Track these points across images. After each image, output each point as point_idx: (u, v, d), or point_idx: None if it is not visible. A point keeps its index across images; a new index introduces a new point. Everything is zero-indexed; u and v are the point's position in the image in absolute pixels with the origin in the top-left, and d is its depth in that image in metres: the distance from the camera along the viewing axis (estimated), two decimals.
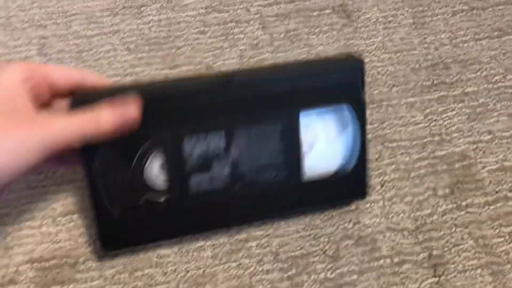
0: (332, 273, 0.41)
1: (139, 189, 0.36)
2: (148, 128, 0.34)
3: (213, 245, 0.42)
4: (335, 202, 0.40)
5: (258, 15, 0.50)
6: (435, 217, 0.43)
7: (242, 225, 0.42)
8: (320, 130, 0.40)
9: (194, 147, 0.36)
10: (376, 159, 0.45)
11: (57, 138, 0.29)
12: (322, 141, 0.40)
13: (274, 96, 0.36)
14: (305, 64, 0.40)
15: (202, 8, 0.50)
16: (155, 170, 0.36)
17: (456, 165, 0.45)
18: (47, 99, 0.32)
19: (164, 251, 0.41)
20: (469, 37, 0.50)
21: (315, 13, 0.50)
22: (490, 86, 0.48)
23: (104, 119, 0.30)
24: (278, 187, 0.39)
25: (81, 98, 0.32)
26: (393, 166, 0.45)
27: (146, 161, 0.36)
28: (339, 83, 0.37)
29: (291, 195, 0.40)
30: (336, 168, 0.40)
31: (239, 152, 0.37)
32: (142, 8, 0.50)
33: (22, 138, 0.28)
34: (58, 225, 0.42)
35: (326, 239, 0.42)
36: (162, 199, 0.37)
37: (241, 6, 0.50)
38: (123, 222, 0.36)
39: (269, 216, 0.40)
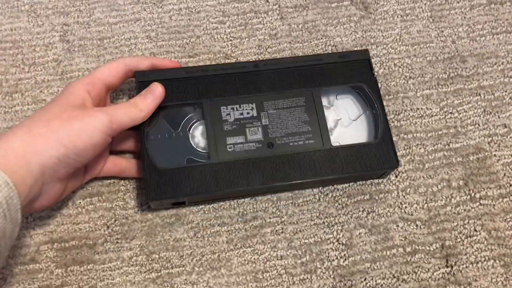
0: (345, 260, 0.42)
1: (184, 150, 0.42)
2: (193, 101, 0.43)
3: (228, 230, 0.43)
4: (368, 171, 0.41)
5: (277, 6, 0.50)
6: (449, 208, 0.43)
7: (275, 187, 0.43)
8: (342, 107, 0.45)
9: (229, 115, 0.42)
10: None
11: (112, 120, 0.37)
12: (346, 118, 0.45)
13: (297, 75, 0.44)
14: (321, 54, 0.45)
15: None
16: (197, 135, 0.43)
17: (471, 158, 0.45)
18: (105, 96, 0.42)
19: (180, 235, 0.42)
20: (486, 31, 0.50)
21: (333, 5, 0.50)
22: (506, 80, 0.48)
23: (140, 104, 0.40)
24: (308, 152, 0.42)
25: (144, 76, 0.42)
26: (408, 157, 0.45)
27: (191, 127, 0.43)
28: (353, 66, 0.44)
29: (322, 160, 0.41)
30: (364, 141, 0.43)
31: (269, 121, 0.43)
32: None
33: (87, 121, 0.36)
34: (78, 207, 0.43)
35: (340, 227, 0.43)
36: (203, 160, 0.42)
37: None
38: (167, 177, 0.40)
39: (303, 179, 0.41)
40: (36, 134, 0.34)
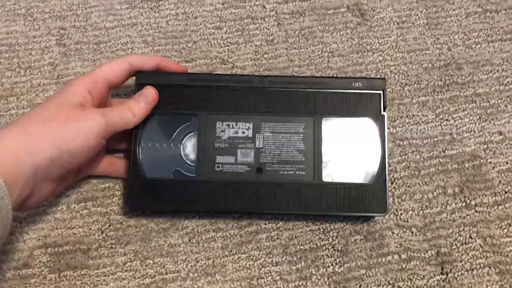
0: (340, 267, 0.42)
1: (173, 161, 0.41)
2: (190, 111, 0.42)
3: (223, 236, 0.42)
4: (354, 212, 0.40)
5: (274, 12, 0.50)
6: (444, 215, 0.43)
7: (258, 213, 0.42)
8: (342, 141, 0.42)
9: (224, 131, 0.41)
10: (387, 157, 0.45)
11: (107, 123, 0.37)
12: (344, 152, 0.42)
13: (302, 99, 0.42)
14: (333, 78, 0.43)
15: (219, 3, 0.50)
16: (188, 147, 0.42)
17: (466, 165, 0.45)
18: (107, 95, 0.41)
19: (175, 241, 0.42)
20: (482, 38, 0.50)
21: (329, 11, 0.50)
22: (501, 87, 0.48)
23: (133, 108, 0.39)
24: (297, 184, 0.40)
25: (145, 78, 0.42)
26: (404, 164, 0.45)
27: (184, 138, 0.42)
28: (362, 98, 0.42)
29: (309, 194, 0.40)
30: (357, 180, 0.41)
31: (263, 144, 0.41)
32: (160, 2, 0.50)
33: (83, 123, 0.36)
34: (72, 212, 0.43)
35: (335, 234, 0.43)
36: (190, 173, 0.41)
37: (257, 3, 0.51)
38: (152, 187, 0.40)
39: (286, 211, 0.40)
40: (30, 134, 0.34)
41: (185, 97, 0.42)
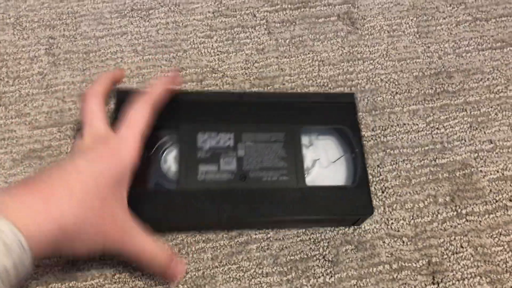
0: (331, 277, 0.41)
1: (153, 174, 0.41)
2: (170, 124, 0.42)
3: (213, 247, 0.42)
4: (340, 215, 0.41)
5: (264, 20, 0.50)
6: (435, 224, 0.43)
7: (243, 223, 0.42)
8: (321, 148, 0.44)
9: (205, 142, 0.41)
10: (378, 166, 0.45)
11: (125, 250, 0.35)
12: (324, 159, 0.44)
13: (279, 110, 0.43)
14: (307, 93, 0.47)
15: (209, 12, 0.50)
16: (169, 160, 0.42)
17: (457, 173, 0.45)
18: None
19: None
20: (472, 47, 0.50)
21: (320, 20, 0.50)
22: (492, 96, 0.48)
23: (156, 265, 0.38)
24: (281, 189, 0.41)
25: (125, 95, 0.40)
26: (394, 173, 0.45)
27: (164, 151, 0.42)
28: (337, 108, 0.44)
29: (294, 199, 0.40)
30: (340, 183, 0.42)
31: (245, 153, 0.41)
32: (150, 11, 0.50)
33: (107, 238, 0.34)
34: None
35: (326, 244, 0.42)
36: (171, 186, 0.41)
37: (247, 12, 0.50)
38: (132, 201, 0.38)
39: (271, 216, 0.40)
40: (64, 224, 0.31)
41: (166, 111, 0.41)
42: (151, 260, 0.36)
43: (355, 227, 0.43)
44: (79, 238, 0.32)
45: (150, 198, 0.39)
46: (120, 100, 0.40)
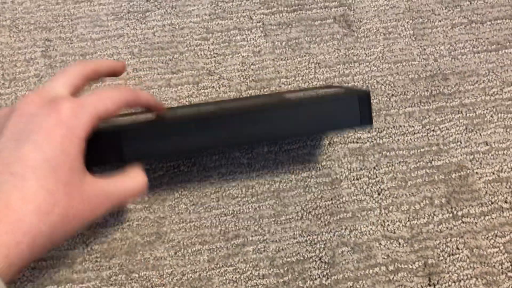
0: (327, 279, 0.41)
1: None
2: None
3: (210, 249, 0.42)
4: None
5: (261, 23, 0.50)
6: (431, 226, 0.43)
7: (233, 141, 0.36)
8: None
9: None
10: (374, 168, 0.45)
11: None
12: None
13: None
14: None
15: (205, 14, 0.50)
16: None
17: (453, 175, 0.45)
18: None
19: (160, 254, 0.42)
20: (468, 49, 0.50)
21: (316, 23, 0.51)
22: (487, 98, 0.48)
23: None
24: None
25: None
26: (391, 175, 0.45)
27: None
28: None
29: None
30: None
31: None
32: (147, 14, 0.50)
33: (97, 213, 0.32)
34: None
35: (322, 246, 0.42)
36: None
37: (244, 14, 0.51)
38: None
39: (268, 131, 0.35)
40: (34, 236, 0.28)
41: None
42: (134, 187, 0.34)
43: (351, 229, 0.43)
44: (56, 234, 0.29)
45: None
46: None
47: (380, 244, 0.42)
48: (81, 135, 0.30)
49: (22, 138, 0.29)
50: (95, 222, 0.39)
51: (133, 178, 0.35)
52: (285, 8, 0.51)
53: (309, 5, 0.52)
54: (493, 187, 0.45)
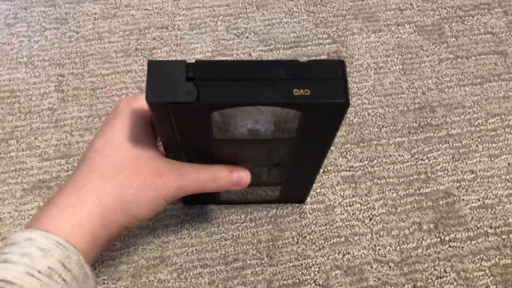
0: None
1: None
2: None
3: (210, 272, 0.44)
4: None
5: (260, 58, 0.54)
6: (420, 250, 0.46)
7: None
8: None
9: None
10: (365, 195, 0.48)
11: (185, 188, 0.34)
12: None
13: None
14: None
15: (208, 51, 0.54)
16: None
17: (440, 202, 0.48)
18: None
19: (164, 276, 0.44)
20: (454, 83, 0.53)
21: (311, 58, 0.54)
22: (473, 128, 0.51)
23: (221, 181, 0.35)
24: None
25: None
26: (381, 201, 0.48)
27: None
28: None
29: None
30: None
31: None
32: (154, 51, 0.54)
33: (160, 193, 0.33)
34: None
35: (317, 269, 0.45)
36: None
37: (243, 51, 0.54)
38: None
39: None
40: (106, 206, 0.32)
41: None
42: (214, 182, 0.35)
43: (344, 253, 0.45)
44: (130, 207, 0.32)
45: None
46: (152, 71, 0.30)
47: (371, 267, 0.45)
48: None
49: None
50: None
51: (213, 172, 0.35)
52: (282, 45, 0.55)
53: (305, 42, 0.55)
54: (478, 213, 0.47)
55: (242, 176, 0.36)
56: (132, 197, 0.32)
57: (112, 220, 0.32)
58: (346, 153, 0.50)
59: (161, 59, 0.54)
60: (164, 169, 0.33)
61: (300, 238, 0.46)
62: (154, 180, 0.33)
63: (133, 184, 0.32)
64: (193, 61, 0.29)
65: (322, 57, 0.54)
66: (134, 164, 0.33)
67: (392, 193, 0.48)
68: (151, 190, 0.33)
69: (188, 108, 0.28)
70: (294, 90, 0.28)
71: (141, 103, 0.35)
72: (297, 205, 0.47)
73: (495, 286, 0.44)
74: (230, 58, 0.54)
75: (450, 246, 0.46)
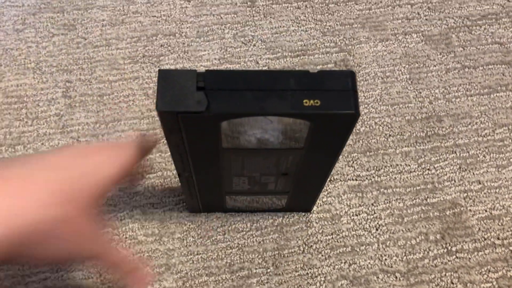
0: None
1: None
2: None
3: (216, 280, 0.44)
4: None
5: (266, 67, 0.54)
6: (426, 261, 0.45)
7: None
8: None
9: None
10: (372, 204, 0.48)
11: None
12: None
13: None
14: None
15: (215, 59, 0.54)
16: None
17: (447, 212, 0.47)
18: None
19: (169, 284, 0.44)
20: (461, 93, 0.53)
21: (318, 67, 0.54)
22: (480, 139, 0.51)
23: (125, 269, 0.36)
24: None
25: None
26: (388, 211, 0.47)
27: None
28: None
29: None
30: None
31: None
32: (161, 58, 0.54)
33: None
34: None
35: (323, 279, 0.45)
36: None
37: (251, 59, 0.54)
38: None
39: None
40: None
41: None
42: (120, 266, 0.35)
43: (350, 262, 0.45)
44: (43, 243, 0.28)
45: None
46: (162, 80, 0.29)
47: (377, 277, 0.45)
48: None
49: None
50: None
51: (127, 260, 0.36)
52: (289, 53, 0.55)
53: (312, 51, 0.55)
54: (485, 224, 0.47)
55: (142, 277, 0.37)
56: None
57: None
58: (353, 162, 0.50)
59: (168, 66, 0.54)
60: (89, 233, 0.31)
61: (306, 247, 0.46)
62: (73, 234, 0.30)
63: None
64: (201, 68, 0.29)
65: (329, 66, 0.54)
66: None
67: (399, 203, 0.48)
68: (69, 243, 0.30)
69: (197, 117, 0.29)
70: (305, 101, 0.28)
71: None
72: (303, 213, 0.47)
73: None
74: (237, 66, 0.54)
75: (457, 257, 0.45)
